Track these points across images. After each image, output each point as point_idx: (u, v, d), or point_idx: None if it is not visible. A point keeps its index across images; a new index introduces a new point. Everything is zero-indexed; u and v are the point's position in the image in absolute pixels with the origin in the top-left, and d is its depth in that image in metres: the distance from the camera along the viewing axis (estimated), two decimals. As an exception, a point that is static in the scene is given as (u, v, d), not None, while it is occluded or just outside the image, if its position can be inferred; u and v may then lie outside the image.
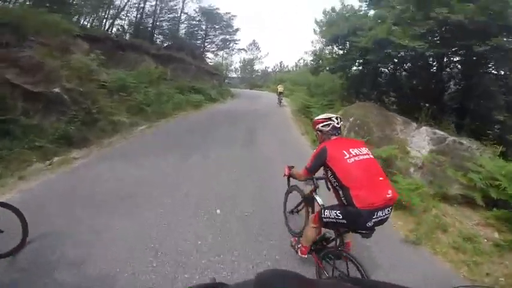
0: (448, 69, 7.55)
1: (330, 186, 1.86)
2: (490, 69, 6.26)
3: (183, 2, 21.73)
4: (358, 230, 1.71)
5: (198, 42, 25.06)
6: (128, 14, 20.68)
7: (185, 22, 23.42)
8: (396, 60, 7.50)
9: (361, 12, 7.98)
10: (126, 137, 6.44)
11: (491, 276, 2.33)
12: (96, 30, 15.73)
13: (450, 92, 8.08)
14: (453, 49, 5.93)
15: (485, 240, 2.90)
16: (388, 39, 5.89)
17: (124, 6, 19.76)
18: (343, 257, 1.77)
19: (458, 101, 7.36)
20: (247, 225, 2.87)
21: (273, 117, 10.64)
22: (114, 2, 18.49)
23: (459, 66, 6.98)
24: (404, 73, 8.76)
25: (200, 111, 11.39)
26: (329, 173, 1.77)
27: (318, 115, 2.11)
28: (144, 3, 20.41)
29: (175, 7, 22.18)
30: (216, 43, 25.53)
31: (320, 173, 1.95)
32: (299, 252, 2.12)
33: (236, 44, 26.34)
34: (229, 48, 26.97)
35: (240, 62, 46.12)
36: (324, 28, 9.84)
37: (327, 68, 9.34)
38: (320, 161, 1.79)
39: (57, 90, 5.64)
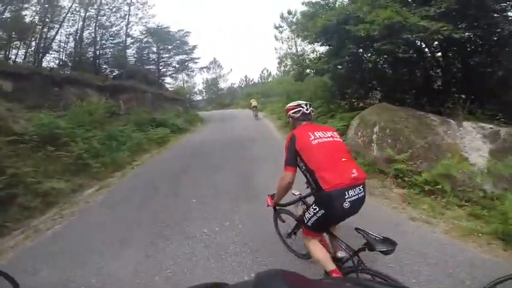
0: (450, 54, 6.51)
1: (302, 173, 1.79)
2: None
3: (127, 26, 19.31)
4: (339, 217, 1.67)
5: (151, 67, 22.64)
6: (66, 45, 17.63)
7: (133, 46, 20.92)
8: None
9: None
10: (64, 212, 4.06)
11: None
12: (19, 66, 12.60)
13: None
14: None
15: None
16: (404, 22, 4.56)
17: (55, 36, 16.64)
18: (369, 275, 1.51)
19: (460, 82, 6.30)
20: None
21: (262, 141, 8.72)
22: (43, 32, 15.45)
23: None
24: (394, 62, 7.57)
25: (167, 149, 9.10)
26: (298, 159, 1.73)
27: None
28: (81, 32, 17.59)
29: (119, 31, 19.66)
30: (172, 65, 23.24)
31: (307, 190, 1.95)
32: None
33: (196, 63, 24.06)
34: (188, 69, 24.86)
35: (203, 83, 44.45)
36: (296, 28, 8.56)
37: (313, 71, 7.90)
38: (293, 149, 1.73)
39: None
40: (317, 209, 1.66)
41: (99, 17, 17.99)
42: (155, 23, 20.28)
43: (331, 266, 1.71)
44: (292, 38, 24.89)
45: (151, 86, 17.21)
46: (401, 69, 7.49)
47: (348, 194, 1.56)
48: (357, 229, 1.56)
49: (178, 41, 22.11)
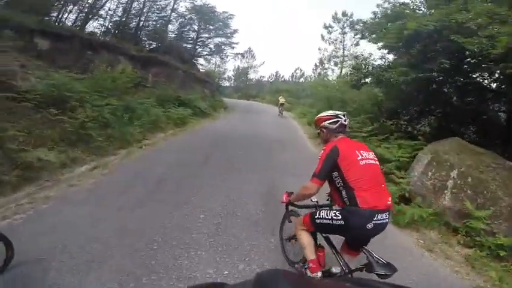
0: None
1: (330, 188, 1.78)
2: None
3: (174, 0, 18.73)
4: (355, 233, 1.64)
5: (188, 46, 22.08)
6: (114, 13, 17.51)
7: (175, 22, 20.42)
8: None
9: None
10: (38, 195, 3.23)
11: None
12: (61, 27, 12.50)
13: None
14: None
15: None
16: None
17: (104, 3, 16.49)
18: None
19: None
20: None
21: (293, 148, 7.44)
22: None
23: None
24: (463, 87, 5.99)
25: (184, 133, 8.25)
26: (335, 173, 1.66)
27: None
28: (132, 2, 17.28)
29: (166, 6, 19.17)
30: (209, 46, 22.50)
31: (324, 199, 1.98)
32: (309, 272, 1.78)
33: (233, 47, 23.09)
34: (223, 53, 24.03)
35: (233, 70, 43.72)
36: (365, 32, 7.11)
37: (374, 80, 6.58)
38: (331, 161, 1.64)
39: None
40: (339, 217, 1.62)
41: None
42: (202, 0, 19.45)
43: (312, 256, 1.77)
44: (341, 41, 23.17)
45: (184, 64, 16.62)
46: (469, 97, 5.98)
47: (377, 217, 1.56)
48: (362, 249, 1.59)
49: (220, 23, 21.25)
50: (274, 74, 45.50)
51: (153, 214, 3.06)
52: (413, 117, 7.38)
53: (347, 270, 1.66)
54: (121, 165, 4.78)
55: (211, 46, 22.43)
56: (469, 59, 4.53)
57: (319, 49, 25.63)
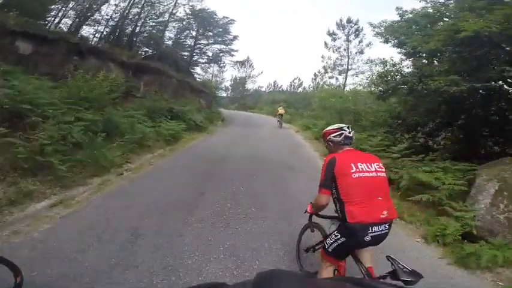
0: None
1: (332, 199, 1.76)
2: None
3: (174, 5, 17.91)
4: (358, 246, 1.70)
5: (185, 53, 21.27)
6: (111, 19, 16.60)
7: (172, 28, 19.58)
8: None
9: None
10: None
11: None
12: (46, 29, 11.49)
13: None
14: None
15: None
16: None
17: (99, 6, 15.59)
18: None
19: None
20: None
21: (305, 174, 6.08)
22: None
23: None
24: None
25: (176, 153, 7.15)
26: (333, 185, 1.68)
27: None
28: (130, 7, 16.41)
29: (165, 11, 18.35)
30: (207, 54, 21.68)
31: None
32: None
33: (232, 55, 22.28)
34: (222, 61, 23.26)
35: (231, 80, 43.13)
36: (388, 35, 6.29)
37: (405, 88, 5.69)
38: (330, 172, 1.66)
39: None
40: (338, 236, 1.66)
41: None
42: (202, 5, 18.72)
43: None
44: (345, 49, 22.74)
45: (179, 73, 15.70)
46: (493, 106, 5.20)
47: (371, 230, 1.55)
48: (387, 257, 1.58)
49: (220, 29, 20.46)
50: (272, 83, 45.12)
51: None
52: (432, 129, 6.57)
53: (369, 279, 1.62)
54: (88, 203, 3.65)
55: (209, 54, 21.59)
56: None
57: (322, 57, 24.90)
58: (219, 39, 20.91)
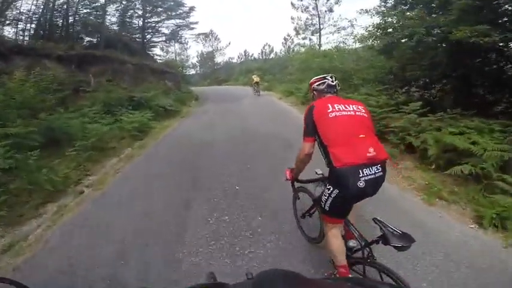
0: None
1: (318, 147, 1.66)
2: None
3: None
4: (355, 196, 1.51)
5: (136, 36, 18.56)
6: (36, 14, 13.55)
7: (113, 11, 16.66)
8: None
9: None
10: None
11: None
12: None
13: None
14: None
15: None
16: None
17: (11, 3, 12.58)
18: (375, 268, 1.45)
19: None
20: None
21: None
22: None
23: None
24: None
25: (146, 149, 5.85)
26: (315, 131, 1.60)
27: None
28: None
29: None
30: (162, 32, 19.07)
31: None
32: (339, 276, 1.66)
33: (192, 28, 19.66)
34: (181, 37, 20.70)
35: (197, 56, 39.88)
36: None
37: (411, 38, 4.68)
38: (310, 118, 1.60)
39: None
40: (331, 189, 1.54)
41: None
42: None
43: (342, 260, 1.61)
44: (313, 7, 20.71)
45: (133, 57, 13.65)
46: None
47: (363, 173, 1.43)
48: (374, 219, 1.45)
49: (171, 2, 17.73)
50: (243, 53, 42.25)
51: None
52: (426, 83, 5.95)
53: (363, 243, 1.55)
54: (45, 243, 2.65)
55: (166, 31, 18.98)
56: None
57: (291, 18, 22.54)
58: (173, 14, 18.21)
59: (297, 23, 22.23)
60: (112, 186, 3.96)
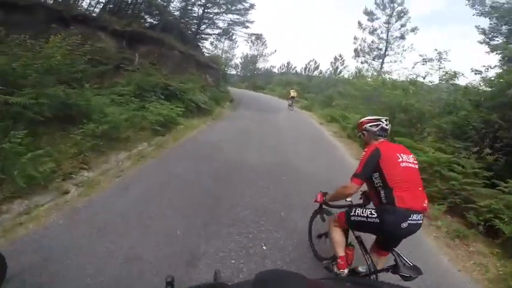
0: None
1: (368, 187, 1.81)
2: None
3: None
4: (389, 232, 1.64)
5: (193, 24, 18.63)
6: None
7: None
8: None
9: None
10: None
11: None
12: None
13: None
14: None
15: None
16: None
17: None
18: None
19: None
20: None
21: None
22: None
23: None
24: None
25: (159, 156, 4.82)
26: (375, 174, 1.69)
27: None
28: None
29: None
30: (217, 25, 18.83)
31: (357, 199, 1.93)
32: (336, 268, 1.87)
33: (247, 27, 18.63)
34: (233, 35, 20.33)
35: (241, 57, 40.11)
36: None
37: None
38: (373, 162, 1.68)
39: None
40: (374, 216, 1.65)
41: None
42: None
43: (341, 252, 1.84)
44: (383, 31, 19.36)
45: (184, 45, 13.46)
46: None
47: (412, 218, 1.58)
48: (391, 251, 1.64)
49: None
50: (285, 64, 41.70)
51: None
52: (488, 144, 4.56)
53: (373, 270, 1.67)
54: None
55: (221, 25, 18.73)
56: None
57: (355, 38, 21.13)
58: (233, 8, 17.87)
59: (359, 44, 20.78)
60: (103, 196, 3.10)
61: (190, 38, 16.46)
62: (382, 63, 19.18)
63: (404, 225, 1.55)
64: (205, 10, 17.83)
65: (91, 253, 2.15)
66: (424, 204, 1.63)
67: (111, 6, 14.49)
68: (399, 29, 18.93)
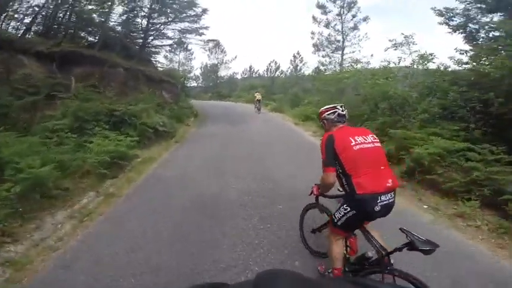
0: None
1: (337, 177, 1.76)
2: None
3: None
4: (369, 218, 1.68)
5: (138, 37, 16.84)
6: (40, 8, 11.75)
7: (120, 7, 14.87)
8: None
9: None
10: None
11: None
12: None
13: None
14: None
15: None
16: None
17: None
18: (393, 276, 1.50)
19: None
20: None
21: None
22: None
23: None
24: None
25: (107, 209, 3.49)
26: (336, 162, 1.70)
27: None
28: None
29: None
30: (167, 35, 17.27)
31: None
32: (332, 276, 1.88)
33: (201, 34, 16.73)
34: (187, 44, 18.88)
35: (201, 68, 38.69)
36: None
37: None
38: (331, 149, 1.69)
39: None
40: (348, 210, 1.67)
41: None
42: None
43: (339, 265, 1.80)
44: (337, 24, 19.53)
45: (129, 61, 11.88)
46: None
47: (380, 199, 1.59)
48: (401, 229, 1.52)
49: (185, 2, 15.78)
50: (248, 69, 41.28)
51: None
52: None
53: (384, 252, 1.60)
54: None
55: (171, 35, 17.13)
56: None
57: (312, 33, 21.05)
58: (182, 16, 16.37)
59: (317, 39, 20.82)
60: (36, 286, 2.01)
61: (136, 53, 14.75)
62: (342, 54, 19.48)
63: (377, 208, 1.57)
64: (150, 21, 16.23)
65: None
66: (388, 184, 1.61)
67: (39, 28, 12.34)
68: (351, 19, 19.47)
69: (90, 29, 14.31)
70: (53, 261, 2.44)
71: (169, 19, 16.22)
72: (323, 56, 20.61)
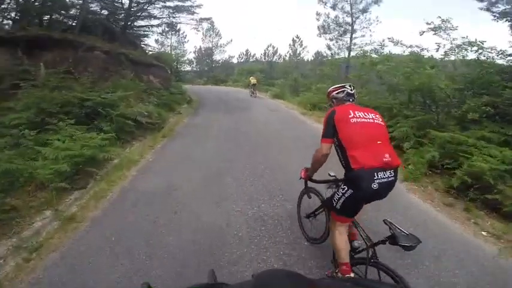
0: None
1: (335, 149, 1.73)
2: None
3: None
4: (368, 197, 1.58)
5: (121, 19, 15.08)
6: None
7: None
8: None
9: None
10: None
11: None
12: None
13: None
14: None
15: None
16: None
17: None
18: (377, 268, 1.50)
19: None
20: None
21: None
22: None
23: None
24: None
25: (73, 237, 2.54)
26: (335, 137, 1.68)
27: None
28: None
29: None
30: (155, 15, 15.44)
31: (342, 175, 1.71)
32: (341, 274, 1.67)
33: (193, 13, 14.58)
34: (177, 24, 17.01)
35: (194, 51, 36.64)
36: None
37: None
38: (331, 123, 1.67)
39: None
40: (345, 189, 1.61)
41: None
42: None
43: (345, 258, 1.67)
44: (345, 5, 17.41)
45: (111, 43, 10.52)
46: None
47: (377, 176, 1.51)
48: (384, 221, 1.51)
49: None
50: (244, 53, 39.22)
51: None
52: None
53: (369, 244, 1.61)
54: None
55: (157, 13, 15.27)
56: None
57: (317, 14, 18.88)
58: None
59: (324, 21, 18.83)
60: None
61: (119, 35, 13.17)
62: (351, 38, 17.59)
63: (374, 185, 1.48)
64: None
65: None
66: (385, 159, 1.52)
67: (9, 13, 10.77)
68: (360, 1, 17.44)
69: (65, 12, 12.71)
70: None
71: (155, -4, 14.40)
72: (330, 39, 18.77)
